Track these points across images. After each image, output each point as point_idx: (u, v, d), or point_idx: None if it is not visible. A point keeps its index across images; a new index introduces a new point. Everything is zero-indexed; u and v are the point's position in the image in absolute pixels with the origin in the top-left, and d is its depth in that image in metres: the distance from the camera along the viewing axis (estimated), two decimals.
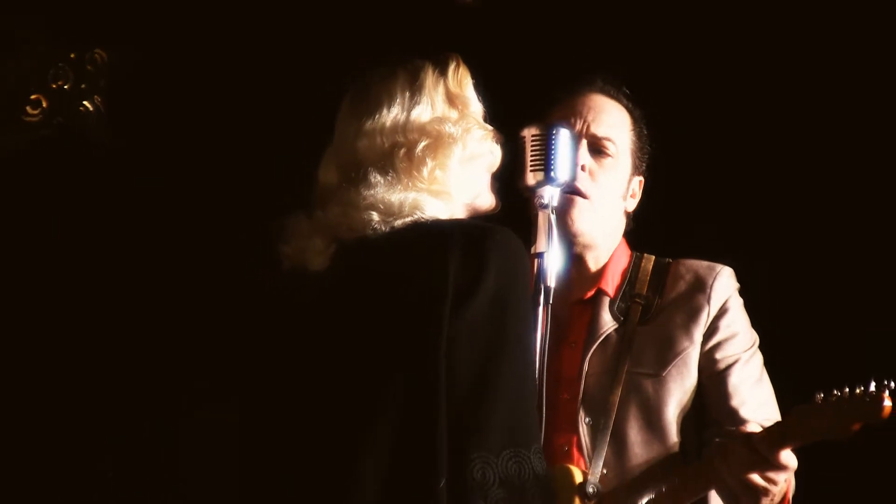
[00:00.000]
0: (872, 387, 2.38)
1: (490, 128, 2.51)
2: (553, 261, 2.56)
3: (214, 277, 4.00)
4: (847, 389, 2.40)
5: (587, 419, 2.72)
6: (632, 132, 2.87)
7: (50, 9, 4.57)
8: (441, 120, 2.44)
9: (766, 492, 2.53)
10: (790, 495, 2.62)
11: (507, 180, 2.61)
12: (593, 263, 2.83)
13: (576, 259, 2.80)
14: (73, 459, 4.14)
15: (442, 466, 2.27)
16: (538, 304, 2.51)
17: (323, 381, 2.36)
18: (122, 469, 4.23)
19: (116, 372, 4.07)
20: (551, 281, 2.54)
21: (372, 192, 2.39)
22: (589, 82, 2.90)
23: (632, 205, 2.88)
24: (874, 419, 2.39)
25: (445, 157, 2.43)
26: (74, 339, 4.33)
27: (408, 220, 2.38)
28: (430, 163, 2.41)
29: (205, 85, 4.30)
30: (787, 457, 2.51)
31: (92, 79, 4.61)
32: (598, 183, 2.78)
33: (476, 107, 2.52)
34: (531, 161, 2.60)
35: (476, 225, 2.40)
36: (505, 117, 2.60)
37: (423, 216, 2.38)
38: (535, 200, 2.57)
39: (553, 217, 2.58)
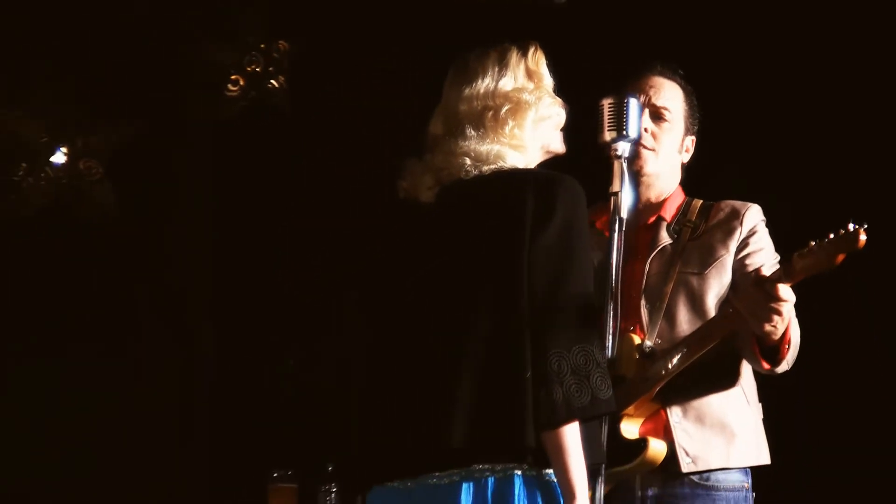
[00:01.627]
0: (851, 227, 2.68)
1: (557, 98, 2.74)
2: (625, 198, 2.87)
3: (361, 205, 4.66)
4: (832, 234, 2.71)
5: (647, 305, 3.05)
6: (684, 102, 3.18)
7: (245, 11, 5.28)
8: (520, 90, 2.67)
9: (771, 319, 2.81)
10: (791, 327, 2.89)
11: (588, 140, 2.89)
12: (655, 198, 3.16)
13: (643, 195, 3.14)
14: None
15: (527, 361, 2.48)
16: (614, 231, 2.83)
17: (432, 293, 2.58)
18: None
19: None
20: (624, 213, 2.86)
21: (466, 143, 2.62)
22: (650, 66, 3.21)
23: (686, 157, 3.20)
24: (853, 249, 2.70)
25: (522, 119, 2.65)
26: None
27: (493, 167, 2.59)
28: (510, 122, 2.64)
29: (357, 65, 5.02)
30: (788, 292, 2.79)
31: (277, 63, 5.37)
32: (659, 141, 3.13)
33: (548, 81, 2.74)
34: (608, 122, 2.88)
35: (547, 173, 2.62)
36: (580, 91, 2.83)
37: (505, 164, 2.60)
38: (611, 152, 2.88)
39: (625, 165, 2.88)
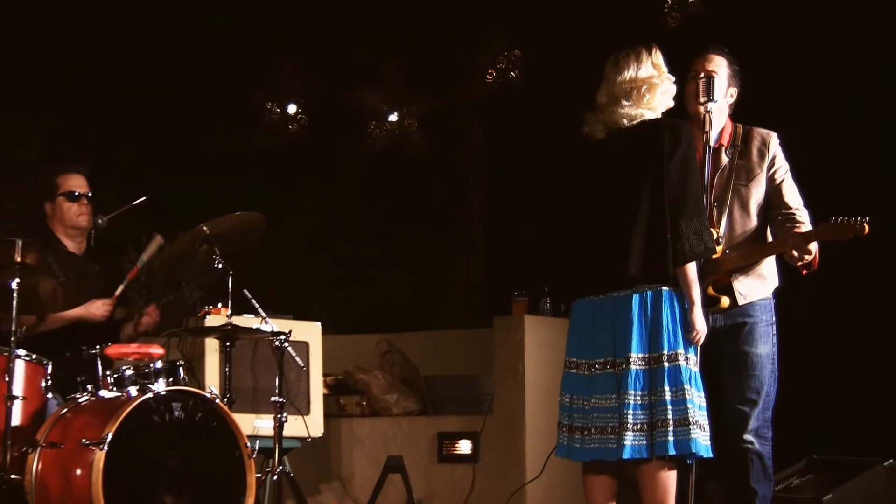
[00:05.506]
0: (860, 219, 3.52)
1: (673, 79, 3.62)
2: (712, 136, 3.74)
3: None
4: (847, 217, 3.55)
5: (717, 207, 3.79)
6: (727, 67, 3.89)
7: (495, 31, 7.33)
8: (651, 76, 3.61)
9: (803, 260, 3.68)
10: (816, 262, 3.73)
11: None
12: (717, 129, 3.83)
13: (707, 125, 3.78)
14: None
15: (668, 226, 3.50)
16: (707, 154, 3.75)
17: (614, 187, 3.58)
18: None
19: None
20: (712, 142, 3.75)
21: (622, 109, 3.60)
22: (708, 49, 3.94)
23: (731, 100, 3.93)
24: (859, 234, 3.55)
25: (654, 93, 3.60)
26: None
27: (637, 122, 3.59)
28: (647, 96, 3.60)
29: (566, 64, 6.61)
30: (814, 245, 3.66)
31: (514, 63, 7.33)
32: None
33: (665, 69, 3.65)
34: (702, 89, 3.75)
35: (673, 120, 3.59)
36: (674, 72, 3.67)
37: (645, 119, 3.58)
38: (704, 108, 3.75)
39: (713, 116, 3.73)
